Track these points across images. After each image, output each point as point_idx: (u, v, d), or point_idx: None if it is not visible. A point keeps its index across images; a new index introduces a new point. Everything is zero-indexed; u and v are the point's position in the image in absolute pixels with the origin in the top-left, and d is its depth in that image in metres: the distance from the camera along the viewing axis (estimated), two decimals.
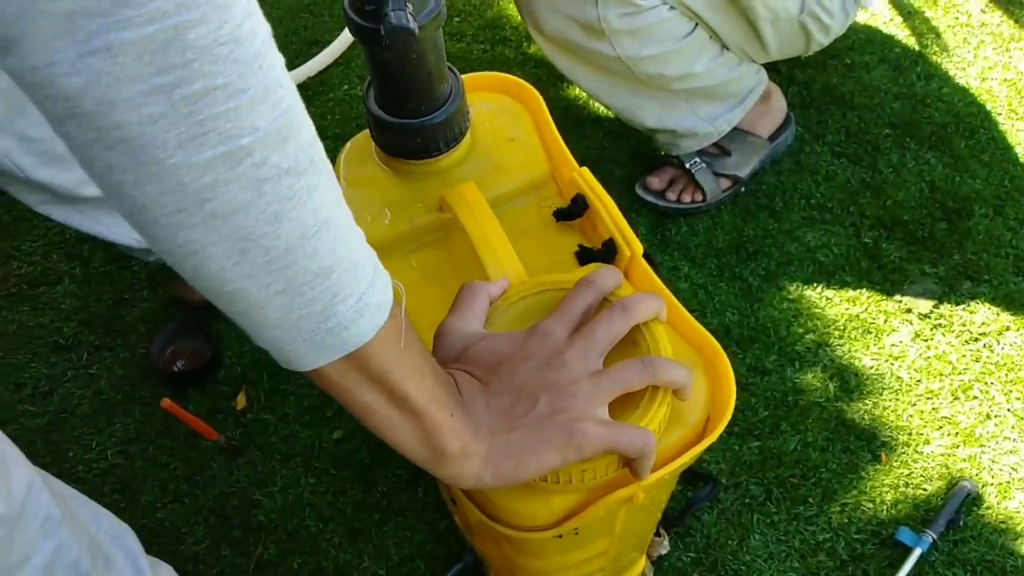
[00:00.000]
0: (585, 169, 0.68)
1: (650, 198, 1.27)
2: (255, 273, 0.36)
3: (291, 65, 1.47)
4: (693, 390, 0.55)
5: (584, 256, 0.65)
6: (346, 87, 1.47)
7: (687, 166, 1.25)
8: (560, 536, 0.59)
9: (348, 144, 0.73)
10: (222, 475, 1.07)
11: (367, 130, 0.72)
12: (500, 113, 0.74)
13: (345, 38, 1.51)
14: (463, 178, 0.68)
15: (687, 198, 1.26)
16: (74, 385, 1.15)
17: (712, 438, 0.56)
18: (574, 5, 1.02)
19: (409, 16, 0.58)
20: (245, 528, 1.03)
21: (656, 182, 1.28)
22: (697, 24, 1.08)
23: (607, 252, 0.64)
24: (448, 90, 0.67)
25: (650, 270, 0.63)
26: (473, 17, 1.57)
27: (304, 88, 1.45)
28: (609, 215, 0.65)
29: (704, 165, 1.24)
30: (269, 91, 0.33)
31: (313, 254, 0.37)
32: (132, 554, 0.72)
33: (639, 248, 0.63)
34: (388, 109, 0.66)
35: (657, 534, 0.95)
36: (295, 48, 1.53)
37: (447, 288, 0.62)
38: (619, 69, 1.09)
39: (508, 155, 0.71)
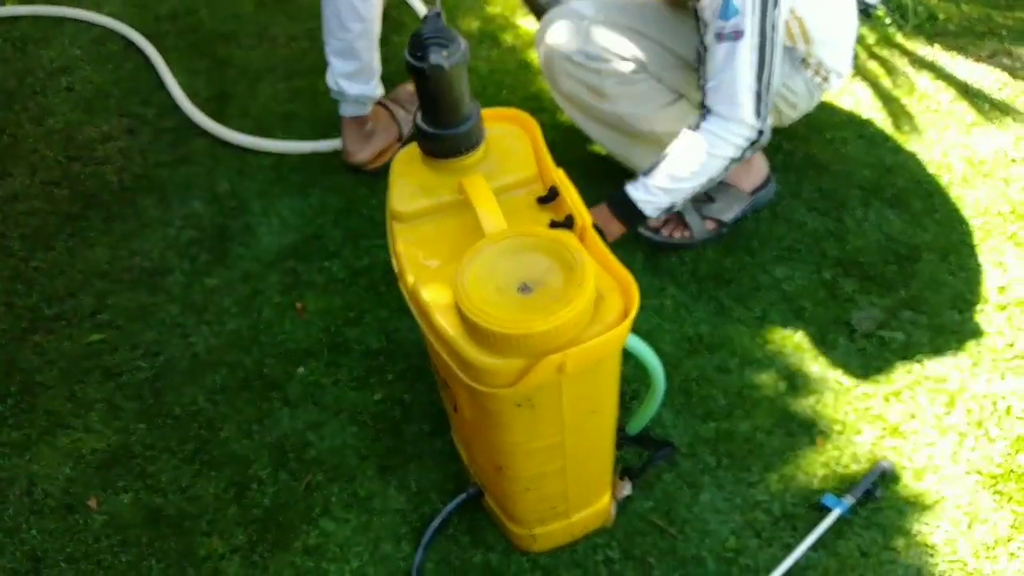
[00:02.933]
0: (560, 170, 0.97)
1: (647, 234, 1.54)
2: None
3: None
4: (610, 301, 0.82)
5: (553, 225, 0.93)
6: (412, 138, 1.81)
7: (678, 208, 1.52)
8: (519, 405, 0.85)
9: (402, 150, 1.04)
10: (284, 421, 1.35)
11: (415, 143, 1.03)
12: (507, 134, 1.04)
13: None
14: (476, 173, 0.98)
15: (676, 234, 1.52)
16: (176, 349, 1.46)
17: (622, 327, 0.81)
18: (583, 72, 1.34)
19: (443, 58, 0.90)
20: (299, 460, 1.30)
21: (653, 221, 1.55)
22: (683, 96, 1.38)
23: (568, 223, 0.92)
24: (470, 112, 0.98)
25: (596, 235, 0.91)
26: (519, 91, 1.91)
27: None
28: (571, 200, 0.93)
29: (692, 208, 1.51)
30: None
31: None
32: None
33: (590, 220, 0.91)
34: (429, 122, 0.97)
35: (620, 478, 1.18)
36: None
37: (458, 245, 0.90)
38: (619, 124, 1.39)
39: (510, 161, 1.00)
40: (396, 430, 1.32)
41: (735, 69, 1.21)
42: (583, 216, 0.91)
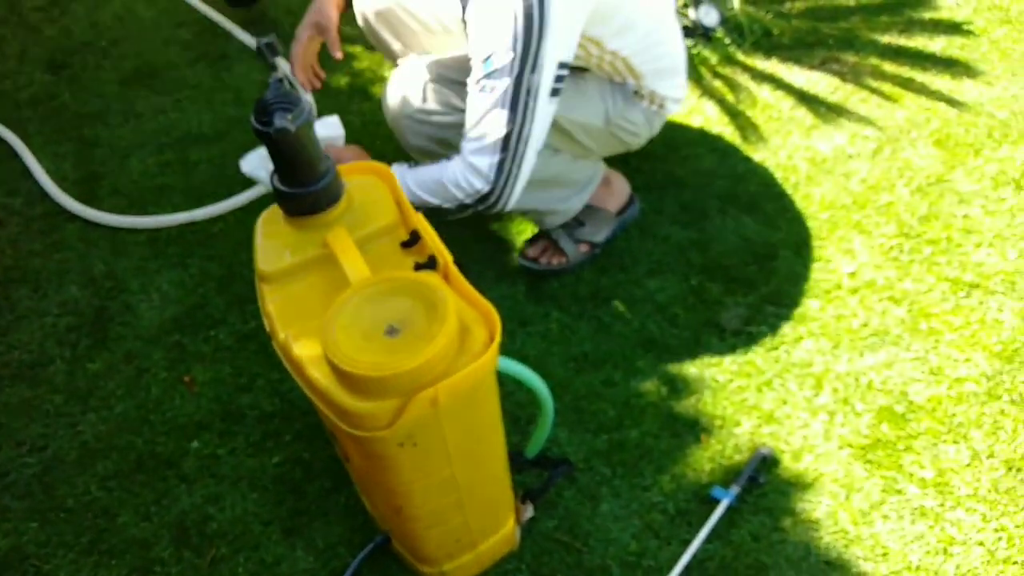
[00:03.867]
0: (420, 215, 1.02)
1: (526, 263, 1.60)
2: None
3: (248, 186, 1.83)
4: (475, 332, 0.86)
5: (418, 267, 0.98)
6: None
7: (552, 236, 1.59)
8: (401, 444, 0.88)
9: (264, 212, 1.07)
10: (183, 498, 1.33)
11: (276, 204, 1.05)
12: (367, 185, 1.08)
13: None
14: (339, 226, 1.01)
15: (554, 261, 1.59)
16: (63, 440, 1.42)
17: (488, 355, 0.86)
18: (427, 128, 1.39)
19: (288, 121, 0.93)
20: (201, 535, 1.28)
21: (531, 251, 1.62)
22: None
23: (431, 263, 0.97)
24: (325, 169, 1.01)
25: (458, 272, 0.95)
26: (393, 141, 1.95)
27: (259, 203, 1.81)
28: (432, 241, 0.98)
29: (565, 234, 1.59)
30: None
31: None
32: None
33: (450, 258, 0.96)
34: (286, 183, 1.00)
35: (523, 502, 1.22)
36: None
37: (327, 298, 0.93)
38: None
39: (371, 210, 1.04)
40: (298, 491, 1.32)
41: (485, 124, 1.22)
42: (444, 255, 0.96)
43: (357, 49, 2.22)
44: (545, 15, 1.16)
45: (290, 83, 1.20)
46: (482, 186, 1.26)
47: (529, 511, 1.22)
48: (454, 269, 0.96)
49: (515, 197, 1.30)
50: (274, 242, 1.02)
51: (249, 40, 2.29)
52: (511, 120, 1.21)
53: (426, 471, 0.96)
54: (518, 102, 1.20)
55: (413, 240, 1.01)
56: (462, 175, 1.26)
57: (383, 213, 1.05)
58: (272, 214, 1.06)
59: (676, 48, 1.47)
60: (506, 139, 1.22)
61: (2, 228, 1.83)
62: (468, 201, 1.28)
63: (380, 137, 1.96)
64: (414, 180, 1.31)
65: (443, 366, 0.85)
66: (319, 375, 0.87)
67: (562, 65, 1.22)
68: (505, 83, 1.19)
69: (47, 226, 1.82)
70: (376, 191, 1.07)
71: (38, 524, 1.32)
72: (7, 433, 1.44)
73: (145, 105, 2.12)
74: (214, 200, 1.81)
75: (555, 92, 1.24)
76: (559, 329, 1.51)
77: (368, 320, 0.87)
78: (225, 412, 1.43)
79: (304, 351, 0.90)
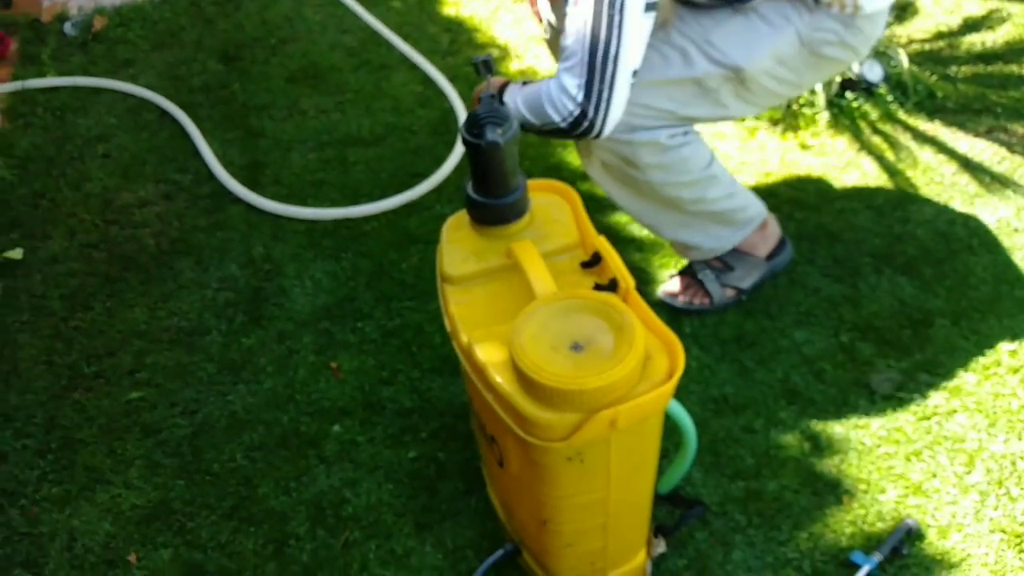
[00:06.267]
0: (602, 237, 1.04)
1: (667, 299, 1.60)
2: None
3: (400, 191, 1.91)
4: (656, 360, 0.87)
5: (598, 288, 0.99)
6: (437, 207, 1.89)
7: (699, 276, 1.58)
8: (570, 459, 0.90)
9: (451, 218, 1.11)
10: (321, 478, 1.38)
11: (463, 210, 1.09)
12: (550, 204, 1.11)
13: (439, 176, 1.94)
14: (524, 239, 1.05)
15: (696, 301, 1.58)
16: (214, 407, 1.50)
17: (669, 385, 0.86)
18: (618, 145, 1.40)
19: (499, 135, 0.97)
20: (336, 517, 1.33)
21: (674, 287, 1.61)
22: (712, 161, 1.44)
23: (612, 286, 0.98)
24: (518, 184, 1.05)
25: (639, 298, 0.97)
26: (540, 162, 2.00)
27: (409, 207, 1.88)
28: (615, 264, 1.00)
29: (713, 276, 1.58)
30: None
31: None
32: None
33: (632, 283, 0.97)
34: (480, 192, 1.04)
35: (656, 535, 1.21)
36: (402, 179, 1.97)
37: (507, 306, 0.96)
38: (648, 192, 1.45)
39: (553, 228, 1.07)
40: (431, 488, 1.35)
41: (573, 41, 1.17)
42: (627, 279, 0.97)
43: (509, 69, 2.28)
44: None
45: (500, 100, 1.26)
46: (572, 107, 1.20)
47: (661, 546, 1.21)
48: (635, 294, 0.97)
49: (611, 124, 1.24)
50: (459, 247, 1.06)
51: (408, 50, 2.39)
52: (594, 36, 1.15)
53: (583, 488, 0.97)
54: (602, 17, 1.14)
55: (594, 261, 1.03)
56: (556, 93, 1.22)
57: (565, 232, 1.07)
58: (458, 220, 1.11)
59: None
60: (591, 58, 1.16)
61: (170, 202, 1.96)
62: (563, 125, 1.23)
63: (527, 158, 2.00)
64: (522, 97, 1.28)
65: (625, 389, 0.86)
66: (502, 380, 0.90)
67: None
68: None
69: (212, 205, 1.93)
70: (559, 210, 1.10)
71: (185, 483, 1.40)
72: (163, 393, 1.54)
73: (309, 103, 2.23)
74: (368, 200, 1.89)
75: (650, 7, 1.16)
76: (698, 368, 1.50)
77: (554, 333, 0.90)
78: (367, 402, 1.48)
79: (487, 355, 0.93)
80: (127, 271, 1.78)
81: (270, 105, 2.23)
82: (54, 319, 1.68)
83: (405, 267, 1.74)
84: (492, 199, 1.03)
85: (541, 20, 1.58)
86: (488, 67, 1.00)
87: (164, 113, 2.20)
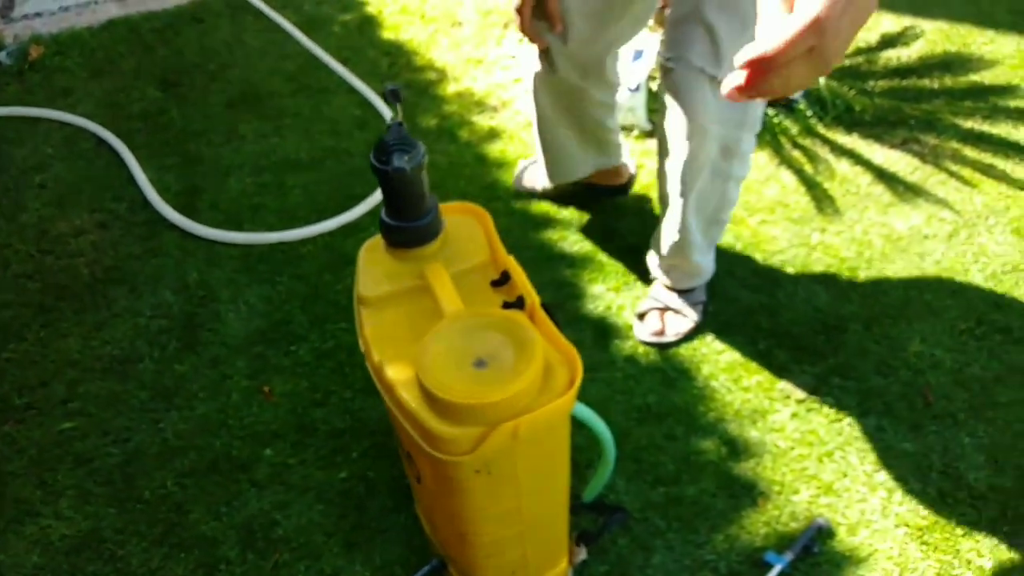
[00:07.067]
0: (511, 256, 1.08)
1: (654, 340, 1.59)
2: None
3: (336, 213, 1.94)
4: (557, 373, 0.91)
5: (506, 305, 1.03)
6: (372, 228, 1.92)
7: (671, 306, 1.60)
8: (478, 471, 0.93)
9: (367, 242, 1.14)
10: (252, 501, 1.40)
11: (379, 235, 1.13)
12: (463, 224, 1.15)
13: (375, 198, 1.98)
14: (436, 261, 1.08)
15: (683, 329, 1.60)
16: (146, 434, 1.51)
17: (569, 395, 0.90)
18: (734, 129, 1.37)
19: (405, 162, 1.01)
20: (267, 540, 1.34)
21: (651, 326, 1.60)
22: None
23: (519, 303, 1.02)
24: (429, 207, 1.09)
25: (544, 314, 1.01)
26: (476, 181, 2.04)
27: (345, 229, 1.90)
28: (521, 282, 1.04)
29: (683, 301, 1.60)
30: None
31: None
32: None
33: (538, 300, 1.02)
34: (393, 217, 1.07)
35: (577, 544, 1.25)
36: (339, 201, 2.00)
37: (420, 326, 1.00)
38: (723, 194, 1.47)
39: (466, 248, 1.11)
40: (361, 506, 1.38)
41: None
42: (532, 296, 1.02)
43: (447, 92, 2.33)
44: None
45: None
46: None
47: (582, 553, 1.25)
48: (540, 311, 1.01)
49: None
50: (374, 269, 1.10)
51: (346, 74, 2.43)
52: None
53: (496, 500, 1.01)
54: None
55: (503, 280, 1.07)
56: None
57: (476, 252, 1.11)
58: (374, 244, 1.14)
59: None
60: None
61: (106, 230, 1.96)
62: None
63: (464, 178, 2.05)
64: None
65: (526, 401, 0.90)
66: (409, 397, 0.93)
67: None
68: None
69: (147, 232, 1.94)
70: (471, 230, 1.14)
71: (116, 511, 1.40)
72: (95, 423, 1.54)
73: (247, 128, 2.25)
74: (305, 223, 1.91)
75: None
76: (623, 379, 1.55)
77: (459, 350, 0.93)
78: (299, 424, 1.50)
79: (396, 374, 0.96)
80: (61, 300, 1.78)
81: (208, 131, 2.24)
82: None
83: (340, 288, 1.76)
84: (404, 222, 1.07)
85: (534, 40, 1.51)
86: (396, 96, 1.04)
87: (101, 141, 2.20)
